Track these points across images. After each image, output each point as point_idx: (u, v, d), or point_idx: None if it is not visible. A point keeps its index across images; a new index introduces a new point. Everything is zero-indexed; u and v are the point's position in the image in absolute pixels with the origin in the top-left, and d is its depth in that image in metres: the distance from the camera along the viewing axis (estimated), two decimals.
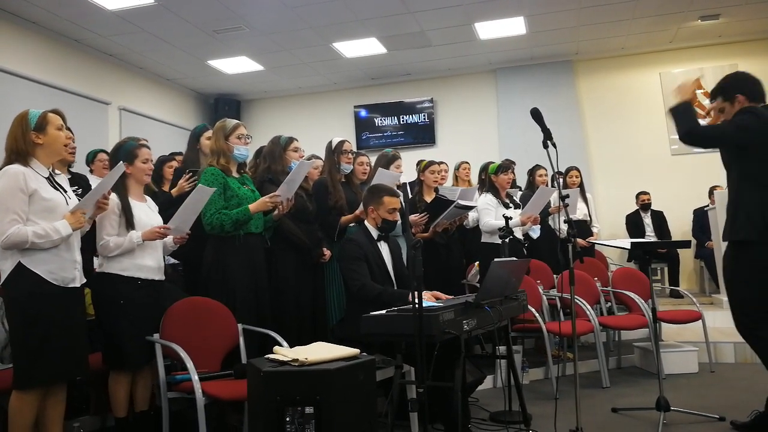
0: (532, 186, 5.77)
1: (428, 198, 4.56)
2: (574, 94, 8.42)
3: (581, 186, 6.02)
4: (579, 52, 8.33)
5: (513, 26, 7.21)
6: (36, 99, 6.06)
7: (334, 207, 3.85)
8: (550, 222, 5.44)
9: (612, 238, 6.95)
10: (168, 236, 3.04)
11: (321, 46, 7.57)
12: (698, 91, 7.20)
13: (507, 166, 4.88)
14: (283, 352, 2.32)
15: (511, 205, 4.83)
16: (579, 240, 4.80)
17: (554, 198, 4.98)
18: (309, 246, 3.63)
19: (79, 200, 2.70)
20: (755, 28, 7.63)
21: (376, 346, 2.91)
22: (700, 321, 4.63)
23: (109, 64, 7.59)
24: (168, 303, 3.04)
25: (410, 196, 4.46)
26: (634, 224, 7.49)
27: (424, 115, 8.98)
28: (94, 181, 3.79)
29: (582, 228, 5.76)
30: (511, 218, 4.09)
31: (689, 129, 2.93)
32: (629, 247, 3.73)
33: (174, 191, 3.76)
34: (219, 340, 3.10)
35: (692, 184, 7.61)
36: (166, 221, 3.06)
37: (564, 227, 3.20)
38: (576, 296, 2.94)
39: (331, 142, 4.02)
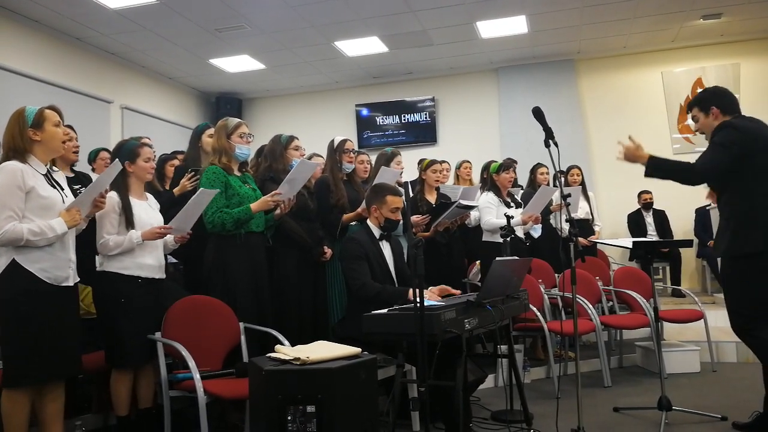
0: (533, 185, 5.76)
1: (429, 197, 4.56)
2: (576, 93, 8.40)
3: (583, 185, 6.01)
4: (581, 51, 8.32)
5: (515, 25, 7.19)
6: (38, 97, 6.04)
7: (336, 205, 3.85)
8: (552, 221, 5.43)
9: (614, 237, 6.94)
10: (168, 235, 3.04)
11: (322, 44, 7.57)
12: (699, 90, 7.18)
13: (508, 165, 4.87)
14: (285, 351, 2.33)
15: (512, 204, 4.82)
16: (580, 239, 4.78)
17: (556, 197, 4.97)
18: (310, 244, 3.62)
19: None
20: (757, 27, 7.61)
21: (378, 345, 2.91)
22: (702, 320, 4.63)
23: (111, 62, 7.59)
24: (169, 301, 3.04)
25: (411, 195, 4.45)
26: (635, 223, 7.47)
27: (425, 114, 8.97)
28: None
29: (584, 227, 5.75)
30: (512, 217, 4.08)
31: (690, 168, 3.01)
32: (631, 246, 3.73)
33: (176, 190, 3.76)
34: (220, 339, 3.10)
35: None
36: (167, 220, 3.06)
37: (565, 226, 3.19)
38: (577, 295, 2.94)
39: (333, 141, 4.05)
